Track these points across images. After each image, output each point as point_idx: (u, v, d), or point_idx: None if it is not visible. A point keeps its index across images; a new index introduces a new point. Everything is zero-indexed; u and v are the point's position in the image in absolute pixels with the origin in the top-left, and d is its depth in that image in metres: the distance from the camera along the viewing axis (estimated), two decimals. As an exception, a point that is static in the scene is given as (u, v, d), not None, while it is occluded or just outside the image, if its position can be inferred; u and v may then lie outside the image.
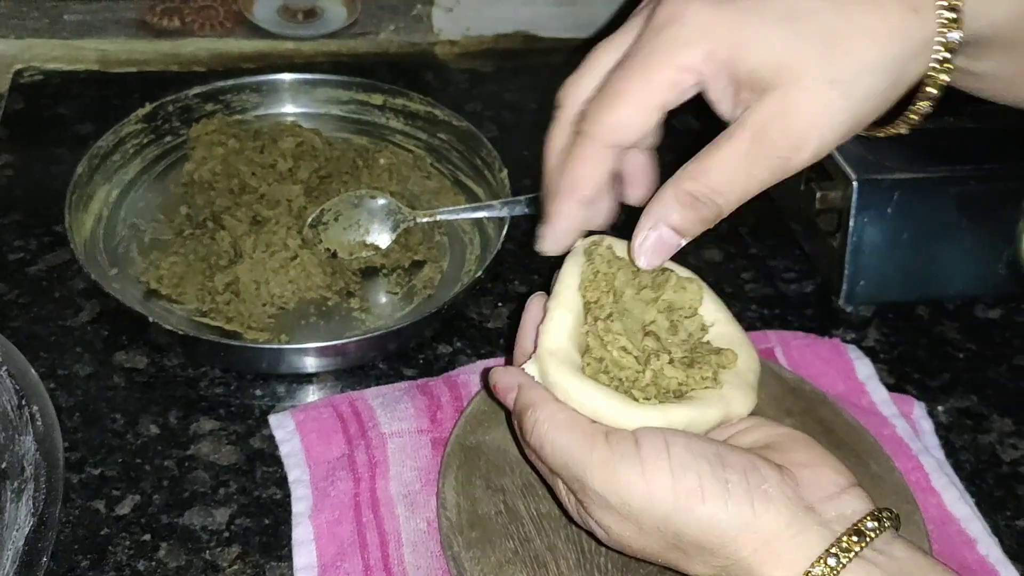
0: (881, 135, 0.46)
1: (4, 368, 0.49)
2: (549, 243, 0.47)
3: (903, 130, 0.45)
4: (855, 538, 0.39)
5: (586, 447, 0.42)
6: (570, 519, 0.48)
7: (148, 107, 0.76)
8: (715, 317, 0.50)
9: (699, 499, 0.40)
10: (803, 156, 0.40)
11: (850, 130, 0.40)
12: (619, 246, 0.49)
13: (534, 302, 0.49)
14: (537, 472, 0.49)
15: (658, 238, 0.43)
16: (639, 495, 0.41)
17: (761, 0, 0.40)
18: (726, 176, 0.41)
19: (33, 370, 0.50)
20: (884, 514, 0.41)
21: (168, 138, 0.77)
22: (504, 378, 0.47)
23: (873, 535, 0.40)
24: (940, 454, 0.60)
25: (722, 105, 0.42)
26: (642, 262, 0.44)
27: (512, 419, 0.47)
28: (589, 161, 0.44)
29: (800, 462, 0.43)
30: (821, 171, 0.69)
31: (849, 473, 0.43)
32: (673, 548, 0.42)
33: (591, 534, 0.46)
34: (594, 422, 0.44)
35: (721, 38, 0.40)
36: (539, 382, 0.46)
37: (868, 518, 0.40)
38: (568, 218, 0.46)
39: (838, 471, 0.43)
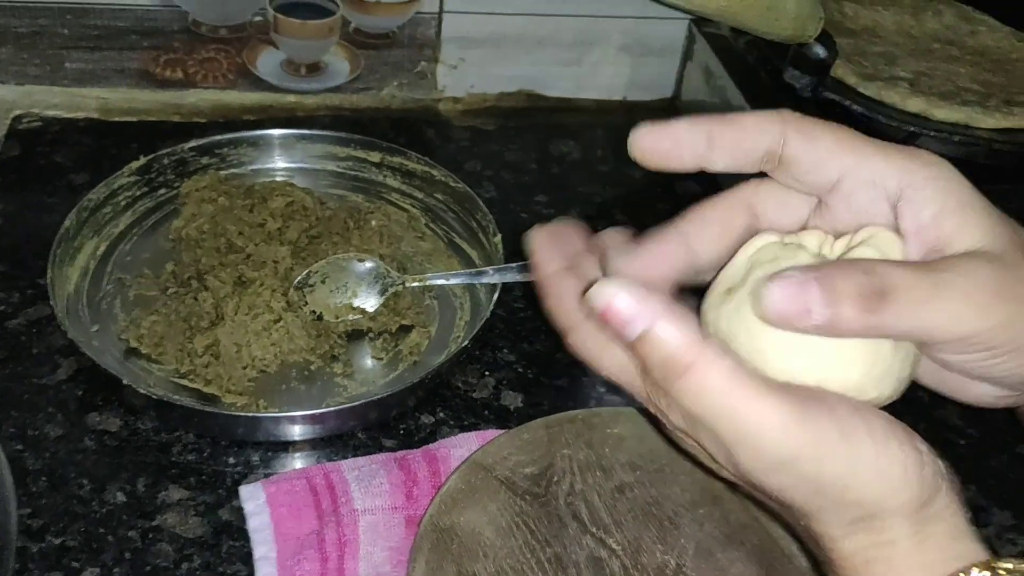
0: None
1: (-35, 434, 0.48)
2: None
3: None
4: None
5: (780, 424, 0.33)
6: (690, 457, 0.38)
7: (142, 160, 0.75)
8: None
9: (901, 465, 0.34)
10: None
11: None
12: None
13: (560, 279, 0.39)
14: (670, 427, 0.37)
15: (803, 309, 0.33)
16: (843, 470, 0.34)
17: None
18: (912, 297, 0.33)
19: (-4, 436, 0.49)
20: None
21: (162, 191, 0.77)
22: (617, 298, 0.33)
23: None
24: (936, 549, 0.58)
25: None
26: (764, 311, 0.33)
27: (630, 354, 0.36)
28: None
29: None
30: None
31: None
32: (824, 500, 0.35)
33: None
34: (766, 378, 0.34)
35: None
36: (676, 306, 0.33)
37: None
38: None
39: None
